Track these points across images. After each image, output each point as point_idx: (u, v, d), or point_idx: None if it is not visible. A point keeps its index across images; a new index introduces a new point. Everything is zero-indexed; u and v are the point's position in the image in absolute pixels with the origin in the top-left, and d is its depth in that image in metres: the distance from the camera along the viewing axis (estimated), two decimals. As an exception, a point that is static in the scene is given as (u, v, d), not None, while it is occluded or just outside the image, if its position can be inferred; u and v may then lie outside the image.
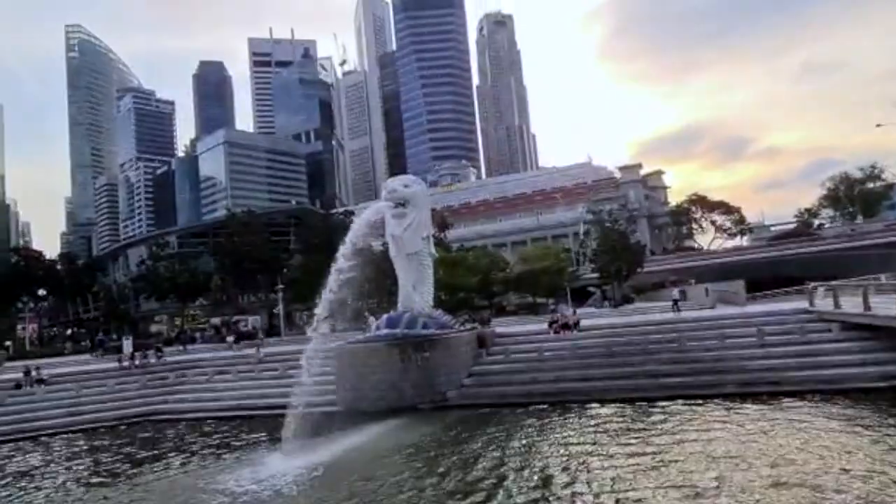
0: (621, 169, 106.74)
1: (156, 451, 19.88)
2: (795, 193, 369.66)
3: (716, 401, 18.76)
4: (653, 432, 15.89)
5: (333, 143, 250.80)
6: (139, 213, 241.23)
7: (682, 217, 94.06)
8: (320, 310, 20.38)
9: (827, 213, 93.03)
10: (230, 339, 42.41)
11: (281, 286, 54.39)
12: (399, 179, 27.64)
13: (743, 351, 22.13)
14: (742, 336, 23.43)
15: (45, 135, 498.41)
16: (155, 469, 17.37)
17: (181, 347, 42.31)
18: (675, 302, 35.22)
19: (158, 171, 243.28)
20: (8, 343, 55.40)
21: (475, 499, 11.85)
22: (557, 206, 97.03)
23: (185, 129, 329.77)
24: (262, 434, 20.73)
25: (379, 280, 34.19)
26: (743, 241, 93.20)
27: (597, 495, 11.32)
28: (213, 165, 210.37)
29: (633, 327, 27.33)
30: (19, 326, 66.17)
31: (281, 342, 42.13)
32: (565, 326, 27.91)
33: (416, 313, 25.08)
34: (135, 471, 17.40)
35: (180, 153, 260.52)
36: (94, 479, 16.92)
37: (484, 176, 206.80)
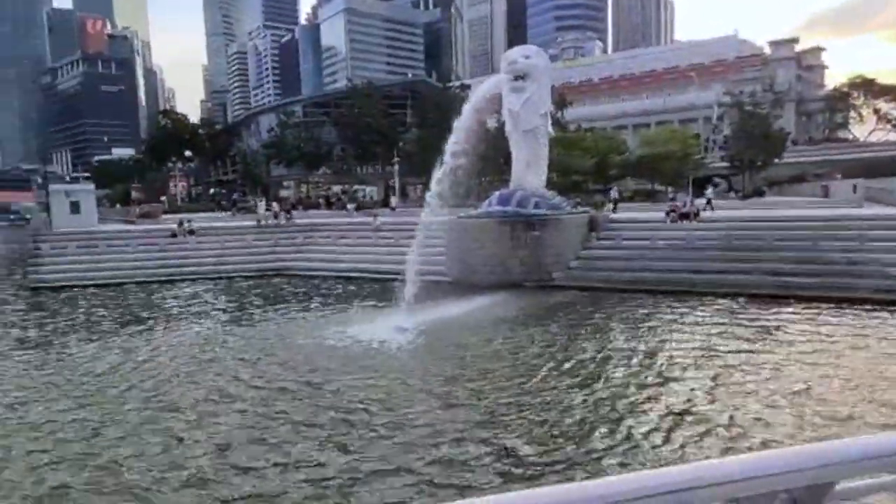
0: (772, 44, 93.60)
1: (282, 301, 22.47)
2: None
3: (843, 305, 17.62)
4: (763, 329, 15.40)
5: (452, 11, 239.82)
6: (267, 82, 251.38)
7: (839, 103, 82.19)
8: (434, 184, 20.92)
9: None
10: (350, 206, 45.05)
11: (397, 159, 55.83)
12: (520, 50, 26.32)
13: (886, 255, 20.13)
14: (888, 239, 21.19)
15: (185, 2, 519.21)
16: (279, 315, 19.84)
17: (304, 210, 45.75)
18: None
19: (283, 40, 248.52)
20: (163, 198, 62.74)
21: (563, 372, 12.41)
22: (690, 87, 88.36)
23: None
24: (376, 295, 22.63)
25: (492, 157, 34.05)
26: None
27: (693, 386, 11.36)
28: (333, 34, 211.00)
29: (760, 222, 25.52)
30: (171, 184, 74.36)
31: (395, 213, 44.09)
32: (684, 216, 26.65)
33: (528, 192, 24.98)
34: (262, 314, 20.01)
35: (303, 21, 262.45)
36: (230, 318, 19.72)
37: (611, 50, 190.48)
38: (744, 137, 52.33)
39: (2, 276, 33.11)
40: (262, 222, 35.65)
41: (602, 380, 11.78)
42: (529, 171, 25.51)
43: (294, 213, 40.08)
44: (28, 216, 55.46)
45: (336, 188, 68.60)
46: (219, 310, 21.35)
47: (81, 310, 21.48)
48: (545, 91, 25.97)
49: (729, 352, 13.29)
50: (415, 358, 13.85)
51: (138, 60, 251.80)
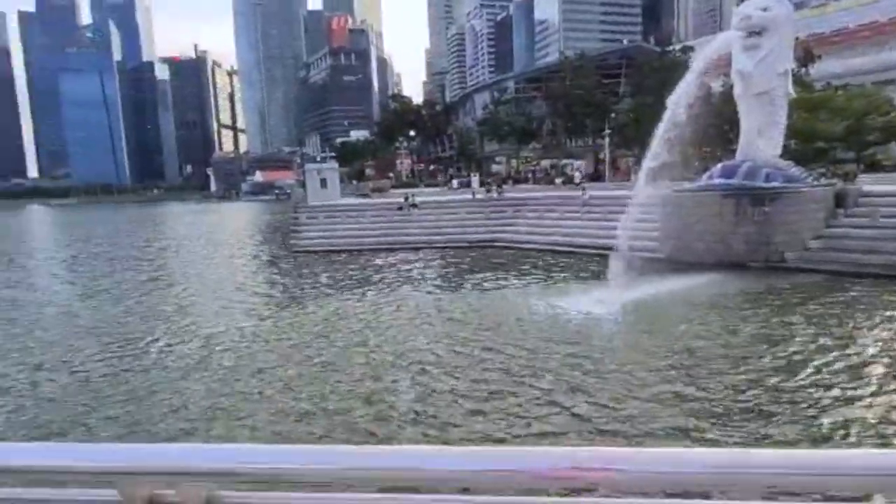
0: None
1: (493, 270, 23.65)
2: None
3: None
4: None
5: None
6: (482, 61, 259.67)
7: None
8: (648, 155, 20.08)
9: None
10: (558, 181, 45.11)
11: (608, 131, 54.04)
12: (756, 1, 23.50)
13: None
14: None
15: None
16: (490, 284, 20.98)
17: (513, 185, 47.08)
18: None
19: (498, 18, 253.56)
20: (391, 175, 69.69)
21: (796, 371, 10.95)
22: None
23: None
24: (583, 269, 22.67)
25: (716, 125, 31.19)
26: None
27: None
28: (547, 7, 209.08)
29: None
30: (397, 162, 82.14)
31: (605, 187, 42.96)
32: (973, 188, 21.55)
33: (758, 163, 22.48)
34: (473, 283, 21.37)
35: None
36: (446, 284, 21.54)
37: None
38: None
39: (270, 241, 40.42)
40: (479, 196, 37.72)
41: (841, 388, 9.82)
42: (761, 139, 22.88)
43: (505, 187, 41.52)
44: (289, 191, 66.28)
45: (545, 162, 68.96)
46: (436, 276, 23.51)
47: (328, 271, 25.36)
48: (785, 46, 22.90)
49: None
50: (620, 334, 13.77)
51: (372, 50, 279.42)
